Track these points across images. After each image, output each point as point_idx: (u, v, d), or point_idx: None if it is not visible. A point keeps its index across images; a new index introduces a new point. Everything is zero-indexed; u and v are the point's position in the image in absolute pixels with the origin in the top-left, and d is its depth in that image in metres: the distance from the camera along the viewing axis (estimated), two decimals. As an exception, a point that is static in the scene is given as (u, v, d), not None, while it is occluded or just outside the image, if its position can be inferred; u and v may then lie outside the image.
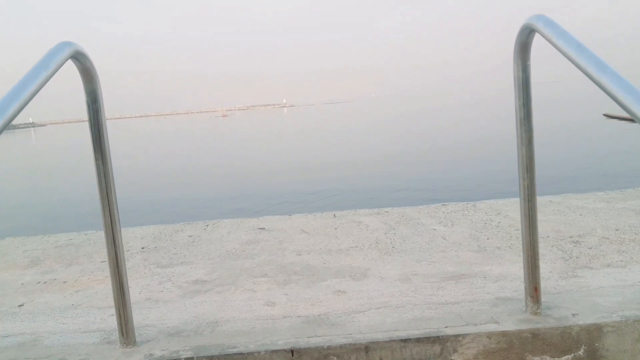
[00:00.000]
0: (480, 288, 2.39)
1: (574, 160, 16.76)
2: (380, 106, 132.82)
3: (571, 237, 3.10)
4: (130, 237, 3.89)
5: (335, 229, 3.69)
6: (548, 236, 3.15)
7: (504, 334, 1.92)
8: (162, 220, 10.28)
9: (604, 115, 35.78)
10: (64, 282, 2.95)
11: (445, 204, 4.26)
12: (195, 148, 38.61)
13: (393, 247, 3.14)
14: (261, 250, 3.26)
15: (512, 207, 3.94)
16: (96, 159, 1.83)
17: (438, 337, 1.91)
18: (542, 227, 3.33)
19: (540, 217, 3.66)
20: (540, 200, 4.17)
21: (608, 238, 3.04)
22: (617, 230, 3.18)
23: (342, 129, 49.75)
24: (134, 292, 2.66)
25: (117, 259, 1.93)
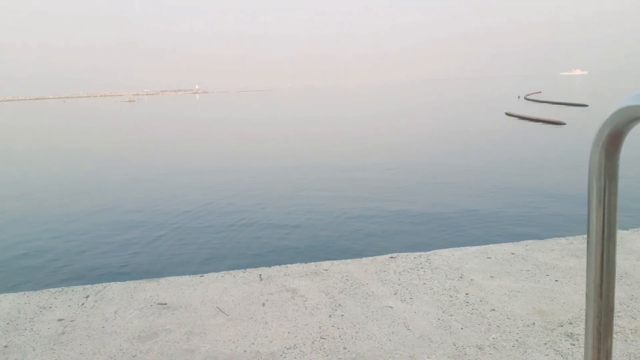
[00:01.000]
0: None
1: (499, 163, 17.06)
2: (295, 98, 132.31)
3: (561, 326, 2.49)
4: (-26, 319, 2.77)
5: (263, 304, 2.83)
6: (534, 323, 2.52)
7: None
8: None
9: (506, 113, 37.74)
10: None
11: (393, 256, 3.55)
12: (86, 138, 35.49)
13: (345, 347, 2.34)
14: (160, 355, 2.33)
15: (474, 264, 3.31)
16: None
17: None
18: (520, 304, 2.71)
19: (511, 283, 3.06)
20: (498, 251, 3.59)
21: (606, 327, 2.45)
22: (610, 311, 2.62)
23: (255, 119, 48.38)
24: None
25: None
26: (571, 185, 11.03)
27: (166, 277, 3.27)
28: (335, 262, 3.47)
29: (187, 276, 3.28)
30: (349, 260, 3.49)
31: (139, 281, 3.22)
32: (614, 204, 1.20)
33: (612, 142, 1.12)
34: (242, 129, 38.01)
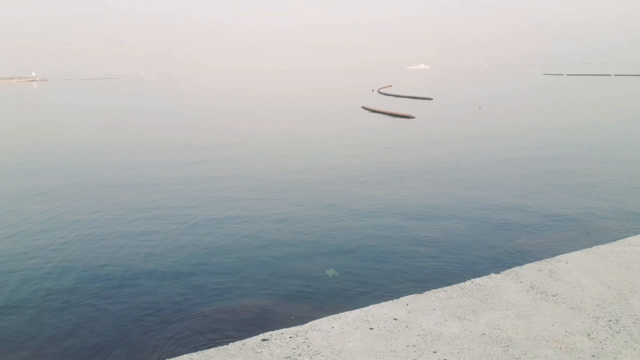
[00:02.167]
0: None
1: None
2: (146, 85, 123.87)
3: None
4: None
5: None
6: None
7: None
8: None
9: (362, 107, 39.41)
10: None
11: (265, 338, 3.02)
12: None
13: None
14: None
15: (357, 342, 2.92)
16: None
17: None
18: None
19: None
20: (380, 316, 3.26)
21: None
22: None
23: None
24: None
25: None
26: (429, 184, 11.49)
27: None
28: (194, 355, 2.85)
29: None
30: (211, 351, 2.89)
31: None
32: None
33: None
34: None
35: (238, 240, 7.65)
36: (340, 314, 3.32)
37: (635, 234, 5.17)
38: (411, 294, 3.62)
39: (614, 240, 4.72)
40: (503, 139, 19.00)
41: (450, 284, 3.79)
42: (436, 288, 3.70)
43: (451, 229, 7.47)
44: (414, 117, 29.85)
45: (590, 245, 4.64)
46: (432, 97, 46.31)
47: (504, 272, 3.93)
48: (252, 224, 8.40)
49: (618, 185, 10.49)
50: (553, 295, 3.50)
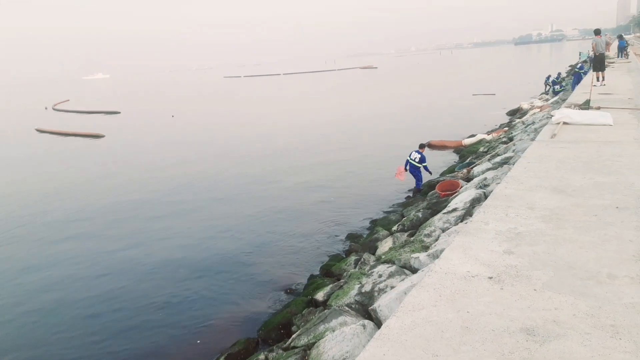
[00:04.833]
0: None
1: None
2: None
3: None
4: None
5: None
6: None
7: None
8: None
9: (37, 130, 33.82)
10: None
11: None
12: None
13: None
14: None
15: None
16: None
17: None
18: None
19: None
20: None
21: None
22: None
23: None
24: None
25: None
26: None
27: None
28: None
29: None
30: None
31: None
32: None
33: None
34: None
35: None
36: None
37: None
38: None
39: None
40: (211, 147, 18.74)
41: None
42: None
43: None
44: (103, 136, 26.97)
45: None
46: (119, 111, 43.14)
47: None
48: None
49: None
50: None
